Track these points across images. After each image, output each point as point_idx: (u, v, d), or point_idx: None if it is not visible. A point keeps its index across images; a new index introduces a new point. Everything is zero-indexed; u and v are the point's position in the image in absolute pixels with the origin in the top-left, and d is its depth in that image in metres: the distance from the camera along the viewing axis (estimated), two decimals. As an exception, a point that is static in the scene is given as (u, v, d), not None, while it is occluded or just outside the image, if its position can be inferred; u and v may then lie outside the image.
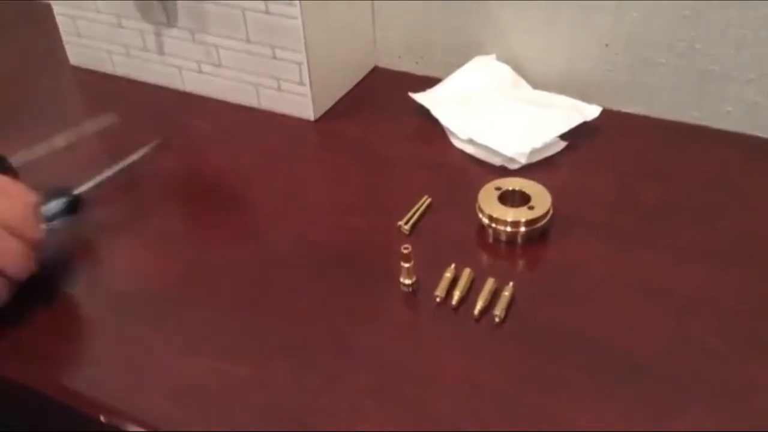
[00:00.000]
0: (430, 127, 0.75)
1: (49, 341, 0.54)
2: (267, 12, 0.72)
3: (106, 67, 0.87)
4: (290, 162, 0.73)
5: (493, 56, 0.78)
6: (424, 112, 0.76)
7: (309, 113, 0.77)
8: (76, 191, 0.60)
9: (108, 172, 0.63)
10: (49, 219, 0.57)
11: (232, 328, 0.54)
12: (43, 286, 0.58)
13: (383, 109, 0.79)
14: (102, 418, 0.49)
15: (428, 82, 0.80)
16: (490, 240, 0.61)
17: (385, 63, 0.86)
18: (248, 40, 0.75)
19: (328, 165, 0.73)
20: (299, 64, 0.74)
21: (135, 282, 0.59)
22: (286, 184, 0.69)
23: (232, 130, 0.78)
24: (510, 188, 0.61)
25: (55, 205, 0.57)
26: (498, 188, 0.62)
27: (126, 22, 0.81)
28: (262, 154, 0.74)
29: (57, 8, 0.86)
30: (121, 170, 0.64)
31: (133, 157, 0.65)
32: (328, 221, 0.64)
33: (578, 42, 0.74)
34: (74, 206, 0.59)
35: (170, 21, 0.78)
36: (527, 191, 0.61)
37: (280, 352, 0.52)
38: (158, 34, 0.80)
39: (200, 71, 0.80)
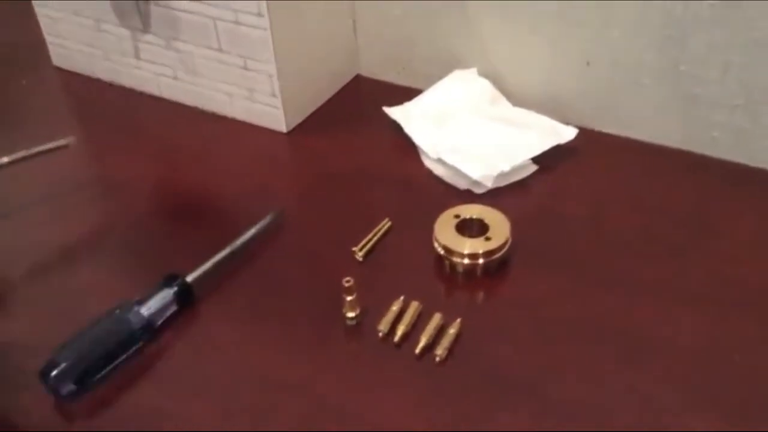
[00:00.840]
0: (404, 143, 0.72)
1: None
2: (236, 22, 0.70)
3: (86, 69, 0.86)
4: (260, 176, 0.71)
5: (474, 70, 0.76)
6: (399, 127, 0.74)
7: (281, 125, 0.75)
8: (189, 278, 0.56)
9: (223, 253, 0.58)
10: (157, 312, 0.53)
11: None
12: None
13: (361, 122, 0.77)
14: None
15: (410, 93, 0.78)
16: (447, 271, 0.59)
17: (368, 72, 0.84)
18: (220, 50, 0.73)
19: (296, 180, 0.71)
20: (270, 75, 0.72)
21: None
22: (250, 199, 0.68)
23: (203, 140, 0.76)
24: (468, 216, 0.59)
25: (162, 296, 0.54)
26: (457, 216, 0.59)
27: (105, 26, 0.80)
28: (229, 166, 0.72)
29: (38, 9, 0.86)
30: (233, 252, 0.59)
31: (247, 236, 0.60)
32: (281, 241, 0.62)
33: (560, 58, 0.71)
34: (186, 295, 0.55)
35: (145, 27, 0.77)
36: (486, 220, 0.58)
37: (211, 385, 0.51)
38: (135, 40, 0.79)
39: (175, 78, 0.79)
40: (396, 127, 0.74)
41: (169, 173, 0.72)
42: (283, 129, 0.75)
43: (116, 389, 0.51)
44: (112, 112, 0.81)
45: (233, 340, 0.54)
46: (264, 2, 0.67)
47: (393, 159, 0.72)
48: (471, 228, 0.59)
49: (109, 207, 0.69)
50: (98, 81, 0.86)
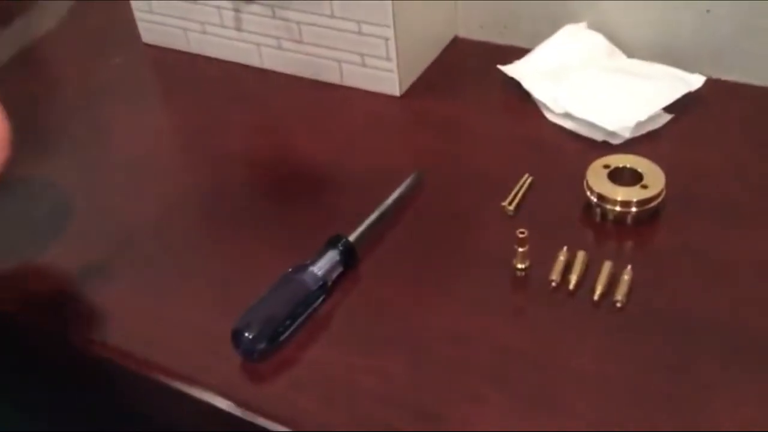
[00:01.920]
0: (519, 100, 0.72)
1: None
2: (354, -14, 0.70)
3: (180, 44, 0.86)
4: (377, 140, 0.71)
5: (584, 24, 0.75)
6: (512, 85, 0.74)
7: (394, 89, 0.75)
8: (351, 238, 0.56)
9: (374, 214, 0.59)
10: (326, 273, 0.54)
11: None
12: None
13: (468, 82, 0.77)
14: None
15: (513, 53, 0.77)
16: (597, 219, 0.59)
17: (466, 33, 0.84)
18: (332, 16, 0.73)
19: (416, 142, 0.71)
20: (386, 39, 0.72)
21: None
22: (376, 164, 0.68)
23: (314, 108, 0.76)
24: (620, 165, 0.59)
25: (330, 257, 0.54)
26: (606, 165, 0.59)
27: (203, -2, 0.80)
28: (348, 132, 0.72)
29: (130, -15, 0.85)
30: (383, 213, 0.59)
31: (395, 195, 0.61)
32: (425, 201, 0.63)
33: (676, 8, 0.71)
34: (350, 255, 0.56)
35: (249, -4, 0.77)
36: (639, 169, 0.59)
37: (396, 340, 0.52)
38: (237, 11, 0.79)
39: (280, 47, 0.79)
40: (508, 86, 0.74)
41: (285, 143, 0.72)
42: (397, 93, 0.75)
43: (297, 348, 0.51)
44: (213, 85, 0.81)
45: (402, 296, 0.55)
46: (386, -36, 0.67)
47: (512, 116, 0.72)
48: (622, 177, 0.59)
49: (235, 178, 0.69)
50: (193, 56, 0.85)
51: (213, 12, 0.80)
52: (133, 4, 0.86)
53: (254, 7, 0.77)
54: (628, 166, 0.59)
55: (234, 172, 0.70)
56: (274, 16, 0.77)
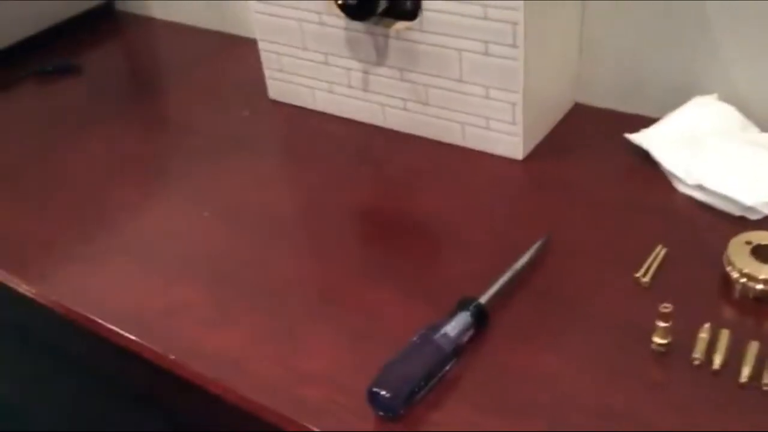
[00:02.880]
0: (646, 169, 0.72)
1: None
2: (486, 53, 0.71)
3: (306, 102, 0.89)
4: (499, 202, 0.72)
5: (715, 96, 0.75)
6: (637, 154, 0.73)
7: (517, 152, 0.76)
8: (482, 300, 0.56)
9: (505, 277, 0.59)
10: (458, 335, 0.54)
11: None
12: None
13: (591, 149, 0.77)
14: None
15: (636, 122, 0.77)
16: (737, 296, 0.57)
17: (586, 99, 0.84)
18: (461, 80, 0.75)
19: (540, 206, 0.71)
20: (513, 104, 0.73)
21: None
22: (499, 226, 0.68)
23: (436, 168, 0.77)
24: (764, 243, 0.58)
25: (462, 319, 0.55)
26: (748, 242, 0.58)
27: (333, 59, 0.83)
28: (469, 193, 0.73)
29: (263, 45, 0.89)
30: (513, 275, 0.60)
31: (525, 258, 0.61)
32: (551, 265, 0.62)
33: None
34: (482, 317, 0.56)
35: (379, 59, 0.79)
36: (782, 247, 0.57)
37: (531, 407, 0.51)
38: (365, 72, 0.82)
39: (405, 108, 0.81)
40: (633, 154, 0.73)
41: (406, 200, 0.74)
42: (519, 156, 0.76)
43: (428, 408, 0.51)
44: (337, 142, 0.84)
45: (536, 361, 0.54)
46: (521, 32, 0.68)
47: (639, 185, 0.71)
48: (765, 254, 0.57)
49: (359, 233, 0.71)
50: (318, 113, 0.89)
51: (342, 73, 0.84)
52: (264, 63, 0.91)
53: (382, 69, 0.80)
54: (771, 243, 0.57)
55: (357, 225, 0.71)
56: (401, 79, 0.79)
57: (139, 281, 0.66)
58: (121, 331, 0.61)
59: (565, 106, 0.83)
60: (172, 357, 0.58)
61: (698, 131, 0.72)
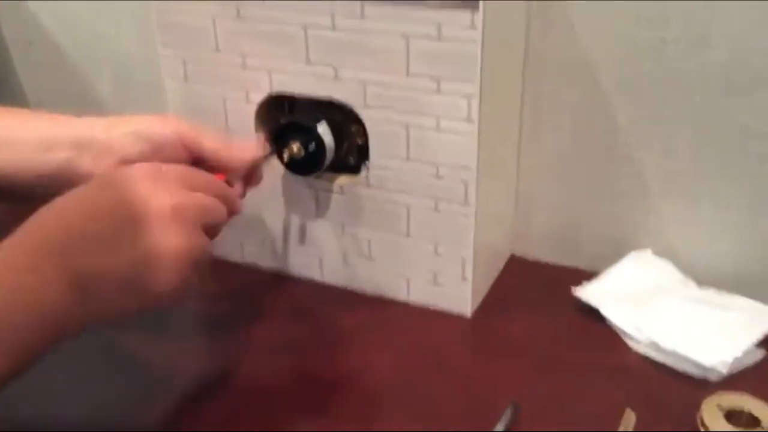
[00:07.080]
0: (597, 326, 0.71)
1: None
2: (436, 210, 0.70)
3: (234, 256, 0.84)
4: (450, 363, 0.68)
5: (649, 251, 0.77)
6: (582, 310, 0.73)
7: (466, 309, 0.74)
8: None
9: None
10: None
11: None
12: None
13: (537, 304, 0.76)
14: None
15: (573, 275, 0.78)
16: (716, 463, 0.56)
17: (521, 252, 0.84)
18: (408, 235, 0.73)
19: (495, 367, 0.68)
20: (463, 259, 0.71)
21: None
22: (457, 389, 0.65)
23: (385, 327, 0.74)
24: (737, 408, 0.57)
25: None
26: (719, 405, 0.57)
27: (265, 212, 0.79)
28: (416, 352, 0.69)
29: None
30: None
31: (499, 428, 0.58)
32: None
33: (748, 240, 0.73)
34: None
35: (319, 212, 0.76)
36: (755, 413, 0.57)
37: None
38: (303, 226, 0.78)
39: (345, 262, 0.78)
40: (580, 311, 0.73)
41: (354, 362, 0.69)
42: (468, 313, 0.74)
43: None
44: (274, 299, 0.78)
45: None
46: (473, 190, 0.68)
47: (596, 345, 0.70)
48: (739, 418, 0.57)
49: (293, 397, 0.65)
50: (246, 265, 0.83)
51: (278, 227, 0.80)
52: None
53: (320, 222, 0.77)
54: (745, 410, 0.57)
55: (293, 389, 0.65)
56: (343, 233, 0.76)
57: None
58: None
59: (504, 258, 0.83)
60: None
61: (640, 288, 0.73)
